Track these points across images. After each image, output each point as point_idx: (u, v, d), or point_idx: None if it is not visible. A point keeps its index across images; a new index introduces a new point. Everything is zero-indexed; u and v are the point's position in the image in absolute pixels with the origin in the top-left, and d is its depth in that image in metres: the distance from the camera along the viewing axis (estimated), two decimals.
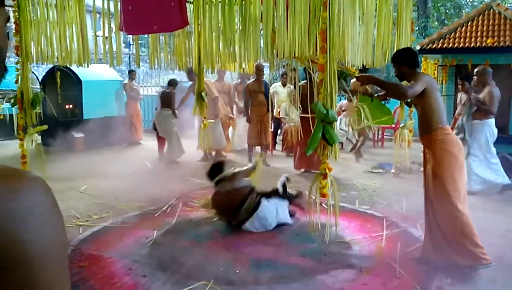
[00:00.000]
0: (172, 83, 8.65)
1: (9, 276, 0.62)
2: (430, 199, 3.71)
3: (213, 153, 8.66)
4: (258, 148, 8.43)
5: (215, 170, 4.85)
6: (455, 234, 3.56)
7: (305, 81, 6.94)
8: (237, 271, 3.69)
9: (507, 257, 3.92)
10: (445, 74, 8.03)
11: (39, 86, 9.36)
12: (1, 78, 0.77)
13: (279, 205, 4.74)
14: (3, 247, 0.61)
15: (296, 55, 4.01)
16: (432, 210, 3.70)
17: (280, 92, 9.38)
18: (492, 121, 6.08)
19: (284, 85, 9.45)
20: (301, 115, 6.87)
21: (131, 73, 10.57)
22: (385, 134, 10.62)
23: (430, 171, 3.68)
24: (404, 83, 3.84)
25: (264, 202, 4.63)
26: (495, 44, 6.89)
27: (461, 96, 6.47)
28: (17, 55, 5.37)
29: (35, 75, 10.44)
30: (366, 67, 4.93)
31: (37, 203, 0.65)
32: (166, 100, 8.39)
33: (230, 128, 9.32)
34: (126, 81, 10.57)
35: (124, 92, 10.50)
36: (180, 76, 12.69)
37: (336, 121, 3.46)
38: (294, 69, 5.63)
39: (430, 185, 3.69)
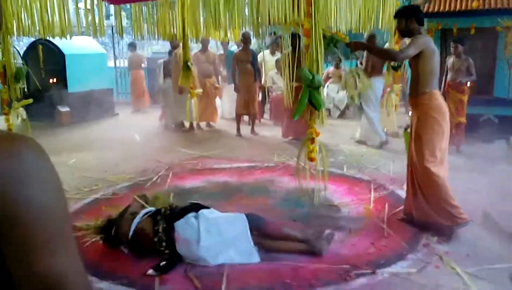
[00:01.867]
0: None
1: (6, 236, 0.65)
2: (412, 160, 3.79)
3: (202, 124, 8.67)
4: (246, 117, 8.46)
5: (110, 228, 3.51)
6: (432, 195, 3.67)
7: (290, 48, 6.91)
8: None
9: (492, 214, 4.03)
10: (431, 37, 8.03)
11: (21, 61, 9.17)
12: None
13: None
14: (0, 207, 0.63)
15: (281, 21, 3.99)
16: (414, 171, 3.79)
17: (268, 61, 9.33)
18: (380, 78, 6.98)
19: (273, 53, 9.39)
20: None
21: (132, 46, 11.18)
22: None
23: (413, 133, 3.75)
24: (396, 48, 3.84)
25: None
26: (479, 7, 6.87)
27: (453, 61, 6.41)
28: None
29: (17, 49, 10.22)
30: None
31: (32, 165, 0.67)
32: (169, 70, 8.64)
33: (217, 98, 9.28)
34: (130, 55, 11.35)
35: (127, 64, 11.37)
36: (165, 46, 12.54)
37: (322, 86, 3.48)
38: (281, 37, 5.59)
39: (412, 146, 3.77)
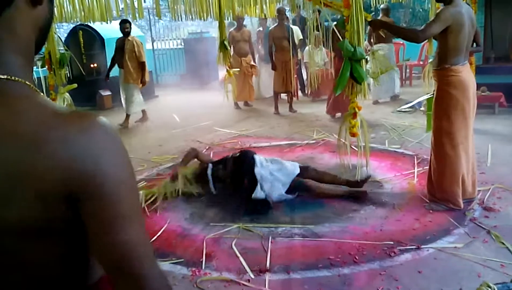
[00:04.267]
0: None
1: (85, 207, 0.70)
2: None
3: (239, 103, 8.67)
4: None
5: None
6: (439, 171, 3.62)
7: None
8: (271, 212, 3.79)
9: None
10: (474, 5, 7.64)
11: (63, 47, 9.40)
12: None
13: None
14: (79, 181, 0.68)
15: None
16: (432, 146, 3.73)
17: (299, 36, 9.15)
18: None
19: (302, 29, 9.21)
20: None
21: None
22: (413, 72, 10.36)
23: (433, 109, 3.66)
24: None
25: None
26: None
27: None
28: None
29: (58, 36, 10.47)
30: None
31: (107, 142, 0.71)
32: None
33: (254, 77, 9.21)
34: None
35: None
36: (200, 26, 12.58)
37: (364, 58, 3.39)
38: (319, 11, 5.45)
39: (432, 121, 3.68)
